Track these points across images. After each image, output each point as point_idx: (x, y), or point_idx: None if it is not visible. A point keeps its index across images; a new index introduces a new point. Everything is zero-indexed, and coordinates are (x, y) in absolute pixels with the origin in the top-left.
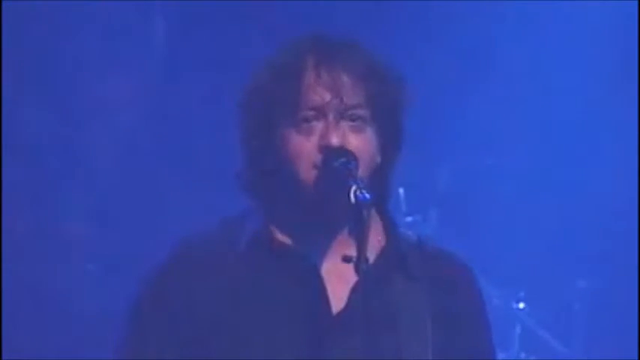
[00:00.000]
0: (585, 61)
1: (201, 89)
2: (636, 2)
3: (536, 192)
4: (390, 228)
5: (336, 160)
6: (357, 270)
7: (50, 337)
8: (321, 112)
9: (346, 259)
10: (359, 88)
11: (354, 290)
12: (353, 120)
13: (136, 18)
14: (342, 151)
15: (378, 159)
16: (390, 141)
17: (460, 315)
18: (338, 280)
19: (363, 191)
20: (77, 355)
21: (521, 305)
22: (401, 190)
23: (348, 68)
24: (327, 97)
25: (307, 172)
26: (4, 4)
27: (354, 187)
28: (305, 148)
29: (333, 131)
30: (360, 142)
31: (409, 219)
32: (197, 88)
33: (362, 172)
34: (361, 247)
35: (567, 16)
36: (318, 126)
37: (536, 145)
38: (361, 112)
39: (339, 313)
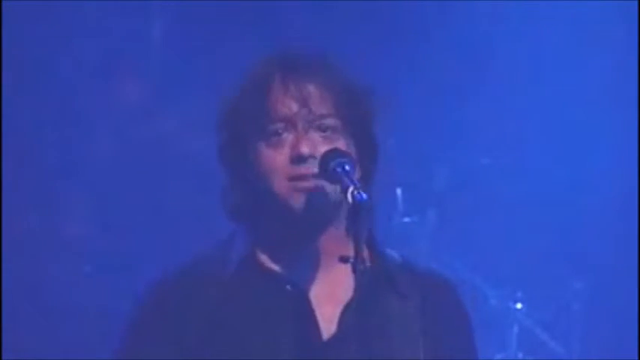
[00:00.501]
0: (584, 61)
1: (201, 90)
2: (636, 2)
3: (533, 192)
4: (374, 247)
5: (333, 160)
6: (354, 270)
7: (50, 337)
8: (290, 123)
9: (343, 260)
10: (327, 98)
11: (344, 313)
12: (323, 130)
13: (135, 19)
14: (339, 152)
15: (358, 173)
16: (366, 154)
17: (450, 333)
18: (327, 302)
19: (360, 191)
20: (77, 355)
21: (519, 305)
22: (399, 191)
23: (314, 80)
24: (295, 107)
25: (280, 185)
26: (4, 4)
27: (351, 188)
28: (277, 160)
29: (302, 141)
30: None
31: (407, 219)
32: (197, 89)
33: None
34: (358, 248)
35: (567, 16)
36: (289, 138)
37: (533, 145)
38: (331, 121)
39: (330, 337)
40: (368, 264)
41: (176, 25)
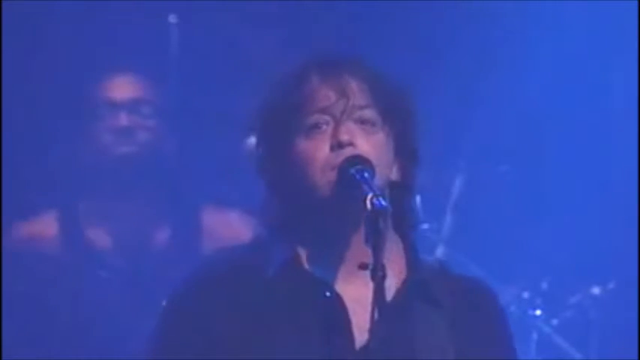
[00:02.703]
0: (592, 63)
1: (211, 89)
2: (636, 2)
3: (552, 198)
4: (412, 255)
5: (352, 167)
6: (373, 278)
7: (58, 343)
8: (329, 114)
9: (362, 267)
10: (365, 90)
11: (375, 322)
12: (362, 122)
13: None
14: (358, 159)
15: (396, 175)
16: (405, 154)
17: (484, 342)
18: (361, 308)
19: (380, 198)
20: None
21: (538, 312)
22: (418, 198)
23: (352, 73)
24: (334, 97)
25: (321, 175)
26: (4, 3)
27: (370, 195)
28: (317, 151)
29: (342, 128)
30: (371, 145)
31: (425, 226)
32: (206, 89)
33: (377, 180)
34: (377, 255)
35: (575, 18)
36: (328, 130)
37: (550, 150)
38: (369, 113)
39: (362, 347)
40: (393, 293)
41: (192, 23)
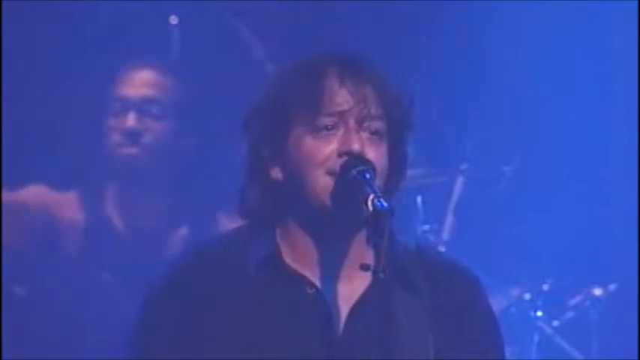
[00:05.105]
0: (600, 63)
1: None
2: (636, 2)
3: (553, 199)
4: (389, 242)
5: (354, 168)
6: (374, 278)
7: (60, 345)
8: (342, 118)
9: (364, 268)
10: (378, 99)
11: (353, 311)
12: (371, 133)
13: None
14: (360, 160)
15: (384, 181)
16: (396, 166)
17: (463, 325)
18: (344, 304)
19: (381, 199)
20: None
21: (539, 313)
22: (419, 199)
23: (369, 80)
24: (351, 101)
25: (321, 179)
26: (4, 3)
27: (371, 196)
28: (321, 153)
29: (354, 137)
30: (378, 155)
31: (426, 227)
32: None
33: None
34: (379, 255)
35: (572, 18)
36: (337, 134)
37: (552, 151)
38: (379, 124)
39: (340, 337)
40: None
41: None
